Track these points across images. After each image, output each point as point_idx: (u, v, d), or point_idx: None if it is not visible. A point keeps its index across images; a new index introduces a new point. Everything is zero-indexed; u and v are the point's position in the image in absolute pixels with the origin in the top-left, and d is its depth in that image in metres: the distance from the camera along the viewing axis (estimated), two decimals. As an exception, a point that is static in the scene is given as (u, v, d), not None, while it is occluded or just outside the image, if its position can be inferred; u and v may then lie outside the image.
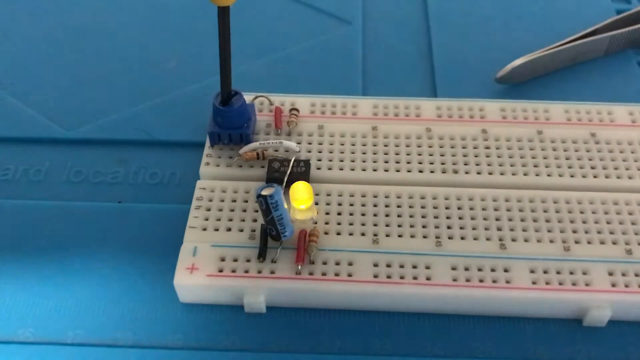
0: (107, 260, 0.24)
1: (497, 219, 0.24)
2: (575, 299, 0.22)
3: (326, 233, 0.24)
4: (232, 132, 0.26)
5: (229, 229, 0.24)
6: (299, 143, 0.26)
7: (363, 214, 0.24)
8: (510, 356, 0.22)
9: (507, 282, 0.22)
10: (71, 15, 0.35)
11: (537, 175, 0.25)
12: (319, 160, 0.26)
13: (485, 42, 0.33)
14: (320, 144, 0.26)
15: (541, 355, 0.22)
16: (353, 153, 0.26)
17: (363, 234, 0.24)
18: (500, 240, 0.23)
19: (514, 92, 0.31)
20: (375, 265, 0.23)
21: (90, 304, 0.23)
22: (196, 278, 0.22)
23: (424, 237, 0.23)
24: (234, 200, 0.25)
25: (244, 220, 0.24)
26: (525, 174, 0.25)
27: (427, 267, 0.23)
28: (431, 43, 0.33)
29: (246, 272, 0.22)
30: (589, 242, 0.23)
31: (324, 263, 0.23)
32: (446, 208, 0.24)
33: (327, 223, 0.24)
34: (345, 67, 0.32)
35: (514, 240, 0.23)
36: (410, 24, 0.35)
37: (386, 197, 0.25)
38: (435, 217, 0.24)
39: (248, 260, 0.23)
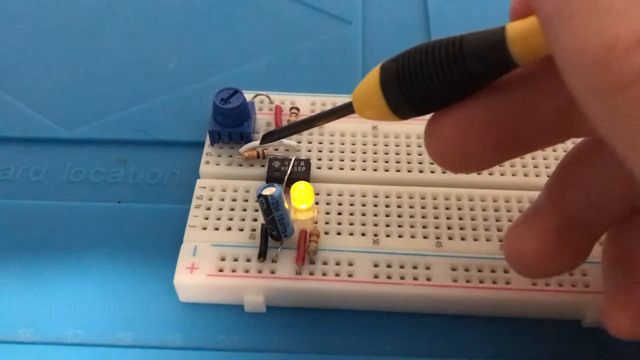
0: (107, 260, 0.24)
1: (497, 220, 0.24)
2: (574, 300, 0.22)
3: (326, 233, 0.24)
4: (233, 131, 0.26)
5: (229, 229, 0.24)
6: (299, 142, 0.26)
7: (363, 214, 0.24)
8: (510, 356, 0.22)
9: (507, 283, 0.22)
10: (71, 15, 0.35)
11: (537, 176, 0.25)
12: (319, 159, 0.26)
13: (485, 42, 0.33)
14: (321, 143, 0.26)
15: (541, 355, 0.22)
16: (353, 152, 0.26)
17: (363, 234, 0.24)
18: (500, 241, 0.23)
19: (514, 92, 0.30)
20: (376, 265, 0.23)
21: (90, 304, 0.23)
22: (196, 278, 0.22)
23: (424, 237, 0.24)
24: (234, 200, 0.25)
25: (244, 220, 0.24)
26: (525, 175, 0.25)
27: (427, 268, 0.23)
28: (431, 43, 0.33)
29: (246, 271, 0.22)
30: (588, 243, 0.23)
31: (324, 263, 0.23)
32: (446, 208, 0.24)
33: (327, 223, 0.24)
34: (345, 67, 0.32)
35: (514, 240, 0.23)
36: (410, 24, 0.34)
37: (386, 197, 0.25)
38: (436, 218, 0.24)
39: (248, 260, 0.23)
